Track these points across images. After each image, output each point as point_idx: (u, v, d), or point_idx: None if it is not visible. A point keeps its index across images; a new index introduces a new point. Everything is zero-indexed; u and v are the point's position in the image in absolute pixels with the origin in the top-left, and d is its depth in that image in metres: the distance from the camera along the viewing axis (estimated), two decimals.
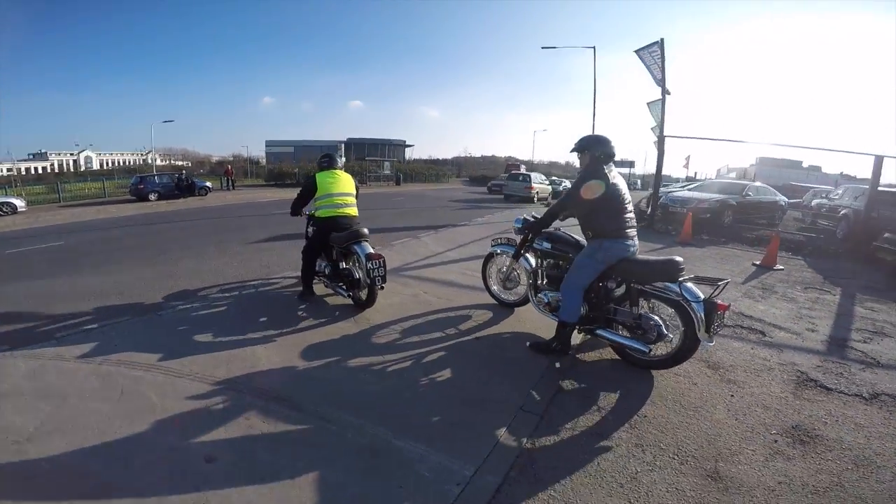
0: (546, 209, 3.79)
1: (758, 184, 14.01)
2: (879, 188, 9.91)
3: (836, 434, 2.57)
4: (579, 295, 3.28)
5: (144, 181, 20.01)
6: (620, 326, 3.34)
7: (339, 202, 4.48)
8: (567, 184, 28.98)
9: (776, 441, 2.45)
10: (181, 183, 20.81)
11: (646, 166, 34.66)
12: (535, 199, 20.38)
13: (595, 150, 3.31)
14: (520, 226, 4.09)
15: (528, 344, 3.61)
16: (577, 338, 3.69)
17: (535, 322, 4.07)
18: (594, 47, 19.53)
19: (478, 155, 71.57)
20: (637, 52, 11.09)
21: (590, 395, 2.88)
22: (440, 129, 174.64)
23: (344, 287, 4.38)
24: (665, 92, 10.79)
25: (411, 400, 2.73)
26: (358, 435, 2.35)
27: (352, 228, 4.38)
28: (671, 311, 3.17)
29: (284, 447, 2.25)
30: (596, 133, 3.41)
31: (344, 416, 2.51)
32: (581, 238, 3.66)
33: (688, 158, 23.92)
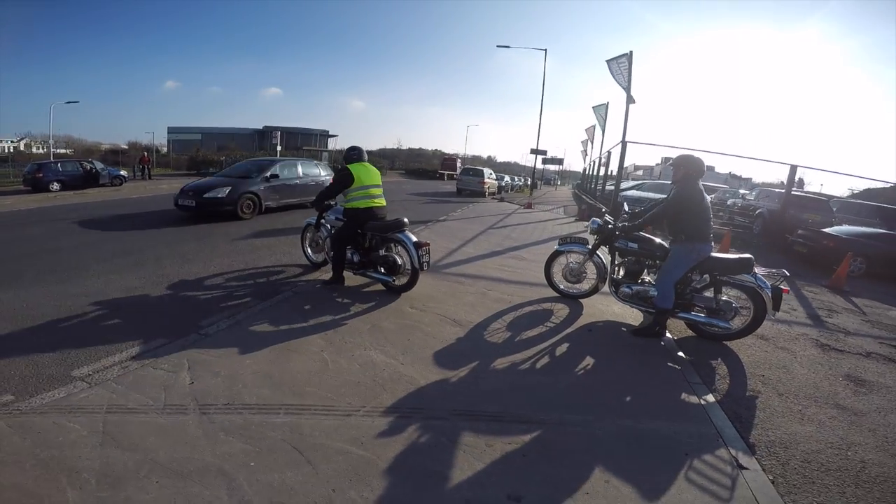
0: (632, 216, 4.66)
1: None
2: (792, 192, 12.48)
3: (874, 378, 3.81)
4: (673, 286, 4.16)
5: (43, 168, 17.68)
6: (696, 309, 4.30)
7: (375, 193, 4.91)
8: (509, 179, 30.88)
9: (848, 384, 3.61)
10: (91, 170, 18.39)
11: (565, 164, 38.04)
12: (486, 193, 21.52)
13: (690, 167, 4.16)
14: (597, 227, 4.86)
15: (624, 329, 4.42)
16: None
17: (614, 311, 4.91)
18: (545, 50, 21.11)
19: (405, 147, 71.83)
20: (608, 61, 12.49)
21: (705, 364, 3.81)
22: (366, 121, 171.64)
23: (382, 272, 4.84)
24: (630, 100, 12.27)
25: (601, 390, 3.13)
26: (600, 428, 2.61)
27: (392, 218, 4.91)
28: (736, 293, 4.23)
29: (560, 458, 2.32)
30: (690, 153, 4.24)
31: (567, 416, 2.71)
32: (660, 239, 4.55)
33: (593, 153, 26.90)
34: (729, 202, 17.52)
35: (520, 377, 3.27)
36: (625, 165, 22.74)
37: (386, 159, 46.03)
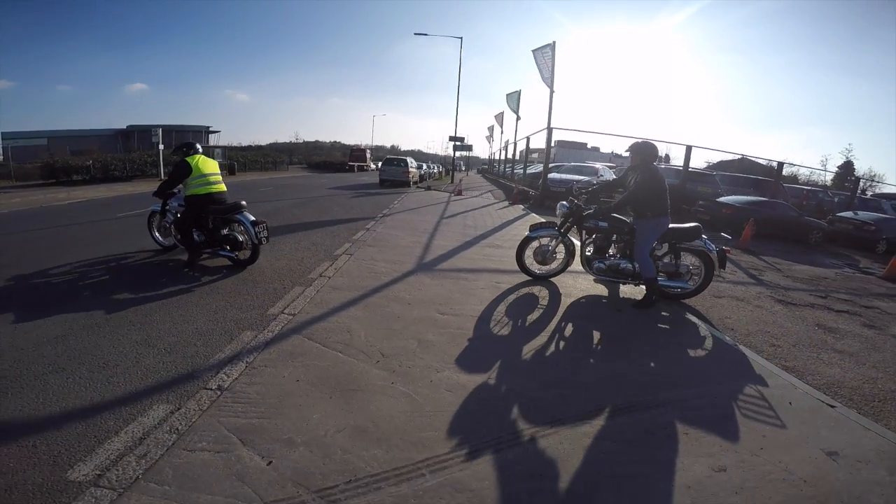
0: (605, 199, 5.05)
1: (599, 165, 18.22)
2: (689, 169, 14.45)
3: (834, 325, 4.74)
4: (649, 257, 4.70)
5: None
6: (659, 274, 4.88)
7: (213, 180, 5.52)
8: (426, 167, 30.97)
9: (826, 332, 4.48)
10: None
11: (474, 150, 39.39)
12: (411, 182, 21.41)
13: (646, 153, 4.68)
14: (567, 210, 5.15)
15: (632, 306, 4.80)
16: (630, 292, 5.06)
17: (595, 288, 5.31)
18: (461, 38, 21.40)
19: (300, 141, 67.72)
20: (533, 51, 13.12)
21: (717, 326, 4.44)
22: (253, 114, 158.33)
23: (228, 249, 5.48)
24: (552, 90, 13.08)
25: (671, 363, 3.43)
26: (713, 397, 2.93)
27: (230, 201, 5.56)
28: (688, 257, 4.95)
29: (715, 427, 2.58)
30: (647, 140, 4.77)
31: (678, 392, 2.94)
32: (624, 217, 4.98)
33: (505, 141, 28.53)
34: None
35: (603, 364, 3.37)
36: (521, 149, 24.44)
37: (282, 153, 43.07)
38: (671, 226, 4.71)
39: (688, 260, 4.93)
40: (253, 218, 5.41)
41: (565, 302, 4.82)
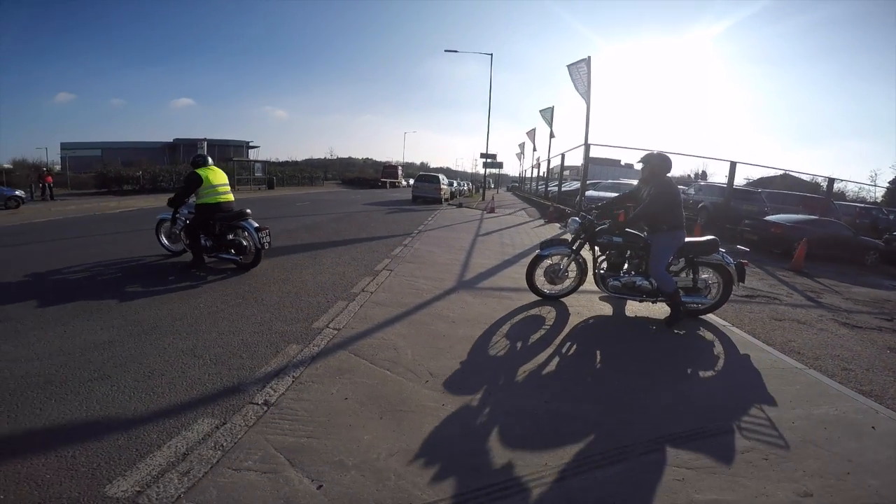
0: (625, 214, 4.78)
1: (636, 182, 17.85)
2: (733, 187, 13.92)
3: None
4: (666, 272, 4.50)
5: None
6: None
7: (222, 190, 5.94)
8: (457, 184, 31.21)
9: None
10: None
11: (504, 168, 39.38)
12: (443, 199, 21.52)
13: (655, 165, 4.49)
14: (579, 226, 4.93)
15: (654, 327, 4.55)
16: (635, 309, 4.82)
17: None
18: (491, 54, 21.65)
19: (334, 157, 69.98)
20: (568, 66, 13.08)
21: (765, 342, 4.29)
22: (290, 130, 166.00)
23: (233, 253, 5.87)
24: (588, 105, 12.95)
25: (735, 388, 3.29)
26: (791, 422, 2.79)
27: (237, 210, 5.96)
28: (705, 271, 4.73)
29: (792, 453, 2.48)
30: (660, 152, 4.60)
31: (749, 417, 2.84)
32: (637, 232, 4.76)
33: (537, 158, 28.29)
34: None
35: (663, 388, 3.21)
36: (552, 167, 24.09)
37: (317, 169, 44.41)
38: (687, 239, 4.53)
39: (706, 274, 4.75)
40: (256, 224, 5.79)
41: (599, 322, 4.66)
